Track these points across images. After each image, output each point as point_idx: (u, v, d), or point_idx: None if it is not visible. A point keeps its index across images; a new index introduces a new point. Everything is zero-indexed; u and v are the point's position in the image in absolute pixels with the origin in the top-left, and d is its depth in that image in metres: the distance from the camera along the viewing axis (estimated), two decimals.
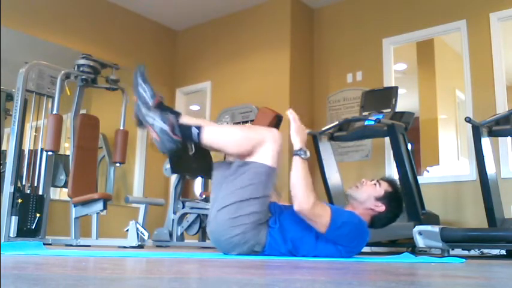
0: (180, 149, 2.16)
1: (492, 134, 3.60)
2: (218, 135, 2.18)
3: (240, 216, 2.07)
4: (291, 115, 2.18)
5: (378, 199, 2.23)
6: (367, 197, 2.23)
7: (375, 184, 2.26)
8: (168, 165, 4.89)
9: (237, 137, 2.17)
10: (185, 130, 2.13)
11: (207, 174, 5.01)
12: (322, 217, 2.05)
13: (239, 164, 2.13)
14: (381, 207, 2.22)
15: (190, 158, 4.71)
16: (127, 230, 3.97)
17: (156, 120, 2.12)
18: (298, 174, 2.06)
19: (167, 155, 2.26)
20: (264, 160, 2.09)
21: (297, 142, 2.12)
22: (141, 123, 2.18)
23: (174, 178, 5.15)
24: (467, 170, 4.63)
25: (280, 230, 2.13)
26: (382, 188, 2.25)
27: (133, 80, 2.20)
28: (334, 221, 2.05)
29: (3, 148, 4.67)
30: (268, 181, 2.10)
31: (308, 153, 2.10)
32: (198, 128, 2.13)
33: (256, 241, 2.11)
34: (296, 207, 2.04)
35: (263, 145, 2.10)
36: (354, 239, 2.14)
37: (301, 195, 2.03)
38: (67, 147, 5.22)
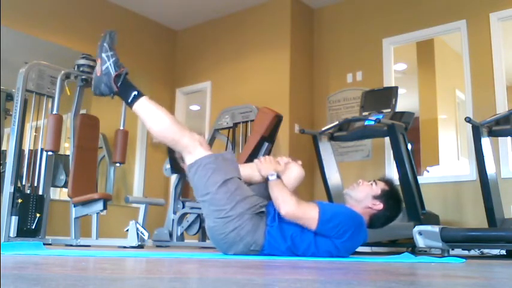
0: (109, 96, 2.22)
1: (492, 134, 3.60)
2: (148, 111, 2.23)
3: (223, 210, 2.10)
4: (255, 160, 2.35)
5: (376, 197, 2.25)
6: (365, 195, 2.26)
7: (372, 184, 2.30)
8: (168, 165, 4.89)
9: (163, 124, 2.22)
10: (126, 87, 2.20)
11: None
12: (310, 214, 2.10)
13: (189, 170, 2.19)
14: (379, 205, 2.24)
15: None
16: (127, 230, 3.98)
17: (109, 60, 2.18)
18: (275, 190, 2.16)
19: (97, 96, 2.27)
20: (199, 155, 2.16)
21: (262, 172, 2.26)
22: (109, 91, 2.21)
23: (174, 178, 5.15)
24: (467, 170, 4.63)
25: (279, 227, 2.14)
26: (379, 187, 2.28)
27: (99, 42, 2.24)
28: (322, 214, 2.10)
29: (3, 148, 4.67)
30: (219, 165, 2.15)
31: (274, 176, 2.21)
32: (139, 93, 2.20)
33: (253, 240, 2.12)
34: (282, 213, 2.11)
35: (192, 148, 2.17)
36: (347, 231, 2.12)
37: (281, 201, 2.12)
38: (67, 147, 5.22)
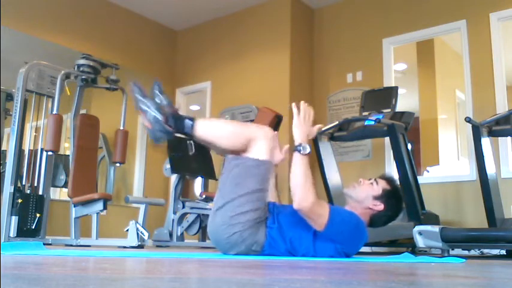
0: (171, 139, 2.18)
1: (492, 134, 3.60)
2: (211, 129, 2.19)
3: (237, 215, 2.08)
4: (294, 109, 2.16)
5: (376, 198, 2.21)
6: (365, 196, 2.22)
7: (372, 183, 2.25)
8: (168, 165, 4.89)
9: (229, 132, 2.18)
10: (178, 121, 2.14)
11: (207, 174, 5.02)
12: (320, 216, 2.05)
13: (230, 160, 2.14)
14: (380, 206, 2.20)
15: (190, 158, 4.71)
16: (127, 230, 3.97)
17: (150, 109, 2.13)
18: (297, 171, 2.05)
19: (160, 146, 2.24)
20: (256, 155, 2.10)
21: (297, 137, 2.11)
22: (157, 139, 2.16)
23: (174, 178, 5.15)
24: (467, 170, 4.63)
25: (279, 229, 2.13)
26: (380, 187, 2.23)
27: (133, 96, 2.20)
28: (332, 219, 2.05)
29: (3, 148, 4.66)
30: (260, 174, 2.10)
31: (308, 149, 2.07)
32: (192, 119, 2.14)
33: (254, 240, 2.11)
34: (295, 206, 2.03)
35: (255, 142, 2.11)
36: (352, 239, 2.13)
37: (300, 193, 2.01)
38: (67, 147, 5.22)
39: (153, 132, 2.12)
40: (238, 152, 2.14)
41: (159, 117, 2.11)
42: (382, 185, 2.24)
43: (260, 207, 2.12)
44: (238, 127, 2.23)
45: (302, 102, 2.19)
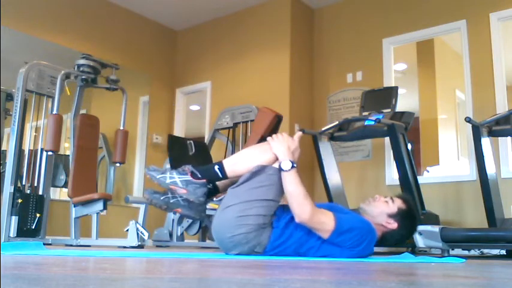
0: (211, 190, 2.20)
1: (492, 134, 3.60)
2: (239, 164, 2.21)
3: (246, 216, 2.09)
4: (268, 138, 2.22)
5: (390, 216, 2.20)
6: (380, 212, 2.21)
7: (387, 201, 2.24)
8: (168, 165, 4.89)
9: (257, 156, 2.20)
10: (207, 171, 2.19)
11: None
12: (325, 224, 2.06)
13: (254, 168, 2.16)
14: (393, 225, 2.20)
15: (190, 158, 4.71)
16: (127, 230, 3.97)
17: (174, 177, 2.15)
18: (288, 189, 2.09)
19: (204, 204, 2.26)
20: (279, 163, 2.14)
21: (278, 155, 2.15)
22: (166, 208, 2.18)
23: None
24: (467, 170, 4.63)
25: (283, 231, 2.13)
26: (396, 205, 2.23)
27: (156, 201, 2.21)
28: (338, 226, 2.05)
29: (3, 148, 4.67)
30: (279, 185, 2.13)
31: (289, 165, 2.09)
32: (218, 164, 2.20)
33: (258, 242, 2.11)
34: (296, 220, 2.07)
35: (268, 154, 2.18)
36: (361, 243, 2.11)
37: (296, 208, 2.06)
38: (67, 147, 5.22)
39: (194, 193, 2.14)
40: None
41: (188, 177, 2.15)
42: (398, 204, 2.24)
43: (270, 214, 2.14)
44: (262, 148, 2.24)
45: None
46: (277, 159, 2.16)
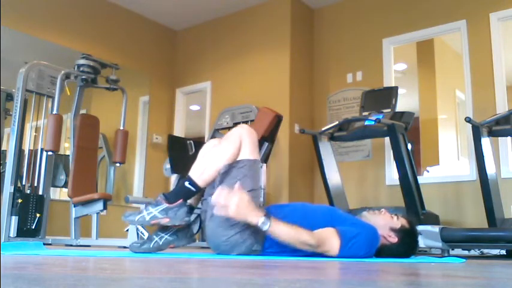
0: (192, 208, 2.18)
1: (492, 134, 3.60)
2: (206, 171, 2.18)
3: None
4: (219, 212, 2.04)
5: (393, 230, 2.22)
6: (383, 224, 2.23)
7: (393, 217, 2.27)
8: (168, 165, 4.89)
9: (220, 156, 2.18)
10: (179, 191, 2.17)
11: None
12: (331, 243, 2.05)
13: (223, 168, 2.16)
14: (394, 239, 2.21)
15: (190, 157, 4.71)
16: (127, 230, 3.97)
17: (152, 211, 2.12)
18: (281, 240, 2.02)
19: (184, 223, 2.23)
20: (244, 155, 2.16)
21: (248, 220, 1.99)
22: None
23: (174, 178, 5.15)
24: (467, 170, 4.63)
25: None
26: (400, 222, 2.25)
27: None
28: (344, 242, 2.06)
29: (3, 148, 4.66)
30: (252, 174, 2.15)
31: (265, 225, 1.96)
32: (187, 179, 2.16)
33: (255, 240, 2.11)
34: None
35: (242, 142, 2.17)
36: (366, 247, 2.13)
37: (299, 248, 2.03)
38: (67, 147, 5.22)
39: (177, 218, 2.12)
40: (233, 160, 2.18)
41: (164, 205, 2.12)
42: (402, 222, 2.26)
43: (258, 205, 2.13)
44: (224, 144, 2.22)
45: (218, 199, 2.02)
46: (239, 150, 2.16)
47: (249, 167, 2.15)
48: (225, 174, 2.14)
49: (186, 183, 2.17)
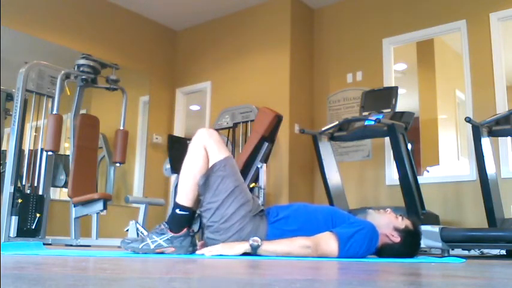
0: (193, 234, 2.17)
1: (492, 134, 3.60)
2: (187, 190, 2.15)
3: (228, 217, 2.10)
4: (209, 253, 2.04)
5: (396, 229, 2.22)
6: (387, 223, 2.23)
7: (397, 217, 2.27)
8: (168, 165, 4.89)
9: (192, 172, 2.15)
10: (179, 219, 2.14)
11: None
12: (330, 245, 2.06)
13: (200, 179, 2.14)
14: (396, 238, 2.21)
15: None
16: (127, 230, 3.97)
17: (157, 240, 2.12)
18: (279, 254, 2.04)
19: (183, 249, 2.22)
20: (214, 159, 2.15)
21: (238, 251, 2.02)
22: None
23: (174, 178, 5.15)
24: (467, 170, 4.63)
25: (280, 226, 2.15)
26: (404, 223, 2.25)
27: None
28: (342, 242, 2.06)
29: (3, 148, 4.67)
30: (229, 171, 2.14)
31: (255, 244, 2.00)
32: (177, 206, 2.15)
33: (254, 232, 2.12)
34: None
35: (206, 147, 2.16)
36: (366, 244, 2.12)
37: (300, 254, 2.04)
38: (67, 147, 5.22)
39: (183, 248, 2.11)
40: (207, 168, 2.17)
41: (168, 235, 2.11)
42: (407, 223, 2.27)
43: (248, 199, 2.15)
44: (190, 153, 2.20)
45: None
46: (207, 157, 2.15)
47: (223, 167, 2.14)
48: (205, 185, 2.13)
49: (177, 211, 2.15)
